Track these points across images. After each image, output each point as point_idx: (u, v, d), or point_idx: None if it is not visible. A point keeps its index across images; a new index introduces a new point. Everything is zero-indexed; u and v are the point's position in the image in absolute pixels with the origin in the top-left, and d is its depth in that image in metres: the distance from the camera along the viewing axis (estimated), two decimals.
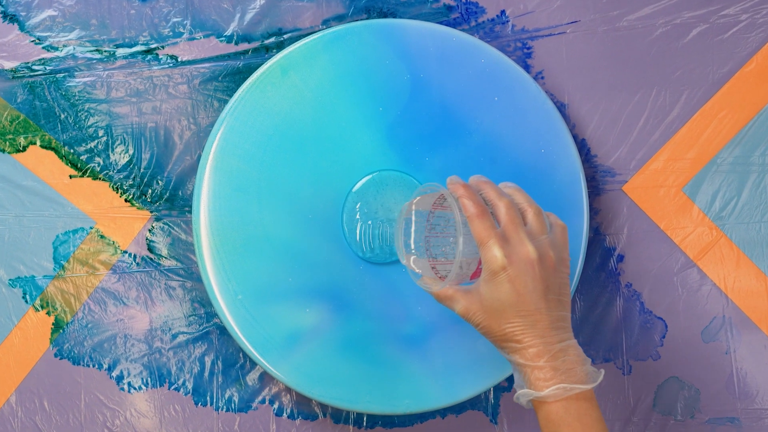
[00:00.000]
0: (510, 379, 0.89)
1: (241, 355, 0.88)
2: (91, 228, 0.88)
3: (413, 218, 0.74)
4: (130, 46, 0.89)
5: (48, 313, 0.87)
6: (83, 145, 0.89)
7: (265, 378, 0.88)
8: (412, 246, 0.74)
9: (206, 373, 0.88)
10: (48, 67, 0.88)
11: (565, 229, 0.73)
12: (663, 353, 0.90)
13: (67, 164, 0.89)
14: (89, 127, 0.89)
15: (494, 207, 0.71)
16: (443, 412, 0.89)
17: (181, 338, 0.88)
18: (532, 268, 0.69)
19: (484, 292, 0.70)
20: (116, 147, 0.89)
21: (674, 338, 0.90)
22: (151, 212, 0.89)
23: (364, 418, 0.87)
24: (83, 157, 0.89)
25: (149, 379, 0.88)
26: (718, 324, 0.90)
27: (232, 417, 0.87)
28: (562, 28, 0.90)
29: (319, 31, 0.88)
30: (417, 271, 0.74)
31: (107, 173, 0.89)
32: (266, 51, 0.89)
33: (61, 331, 0.87)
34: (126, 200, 0.89)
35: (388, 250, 0.84)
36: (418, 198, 0.74)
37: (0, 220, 0.87)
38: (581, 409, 0.69)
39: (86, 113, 0.89)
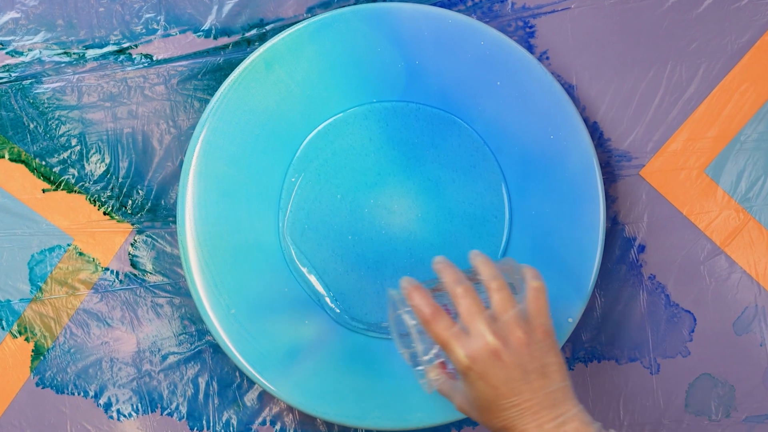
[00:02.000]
0: None
1: (237, 374, 0.88)
2: (68, 245, 0.87)
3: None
4: (101, 47, 0.89)
5: (27, 340, 0.87)
6: (55, 156, 0.88)
7: (265, 397, 0.88)
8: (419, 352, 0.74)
9: (201, 396, 0.87)
10: (13, 74, 0.88)
11: (540, 289, 0.71)
12: (693, 349, 0.90)
13: (39, 177, 0.88)
14: (61, 136, 0.88)
15: (452, 297, 0.70)
16: (459, 425, 0.88)
17: (172, 359, 0.87)
18: (497, 358, 0.69)
19: (466, 391, 0.71)
20: (91, 156, 0.88)
21: (704, 332, 0.90)
22: (133, 225, 0.88)
23: None
24: (56, 169, 0.88)
25: (140, 404, 0.87)
26: (751, 314, 0.90)
27: None
28: (566, 3, 0.90)
29: (304, 20, 0.87)
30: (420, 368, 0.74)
31: (83, 185, 0.88)
32: (248, 44, 0.89)
33: (41, 358, 0.87)
34: (105, 213, 0.88)
35: None
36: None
37: None
38: None
39: (57, 121, 0.88)
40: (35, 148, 0.88)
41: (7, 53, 0.88)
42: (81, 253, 0.88)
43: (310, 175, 0.84)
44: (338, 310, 0.84)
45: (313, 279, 0.84)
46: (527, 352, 0.69)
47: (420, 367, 0.73)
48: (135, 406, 0.87)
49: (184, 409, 0.87)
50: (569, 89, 0.90)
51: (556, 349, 0.71)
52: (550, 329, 0.71)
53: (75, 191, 0.88)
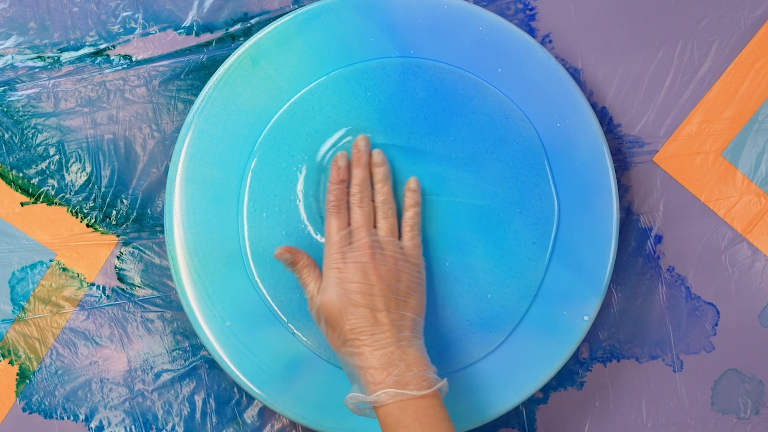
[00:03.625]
0: (545, 389, 0.89)
1: (235, 389, 0.88)
2: (51, 261, 0.88)
3: None
4: (77, 49, 0.89)
5: (11, 362, 0.87)
6: (33, 166, 0.88)
7: (266, 413, 0.88)
8: None
9: (198, 414, 0.87)
10: None
11: (414, 226, 0.81)
12: (717, 343, 0.90)
13: (16, 190, 0.88)
14: (38, 145, 0.89)
15: (350, 209, 0.80)
16: None
17: (166, 377, 0.88)
18: (367, 268, 0.77)
19: (326, 294, 0.78)
20: (71, 165, 0.88)
21: (728, 325, 0.90)
22: (118, 236, 0.88)
23: None
24: (34, 181, 0.88)
25: (133, 426, 0.87)
26: None
27: None
28: None
29: (291, 11, 0.87)
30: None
31: (64, 196, 0.88)
32: (232, 40, 0.89)
33: (27, 381, 0.87)
34: (88, 225, 0.88)
35: None
36: None
37: None
38: (420, 409, 0.73)
39: (33, 130, 0.88)
40: (11, 160, 0.88)
41: None
42: (64, 269, 0.88)
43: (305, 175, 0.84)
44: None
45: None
46: (394, 276, 0.77)
47: None
48: (128, 429, 0.87)
49: (180, 430, 0.87)
50: (575, 74, 0.90)
51: (422, 284, 0.79)
52: (420, 264, 0.79)
53: (55, 203, 0.88)
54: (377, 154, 0.82)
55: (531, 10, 0.90)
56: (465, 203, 0.84)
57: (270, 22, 0.86)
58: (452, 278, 0.83)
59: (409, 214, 0.81)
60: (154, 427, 0.87)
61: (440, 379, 0.75)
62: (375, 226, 0.80)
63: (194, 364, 0.87)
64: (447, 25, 0.86)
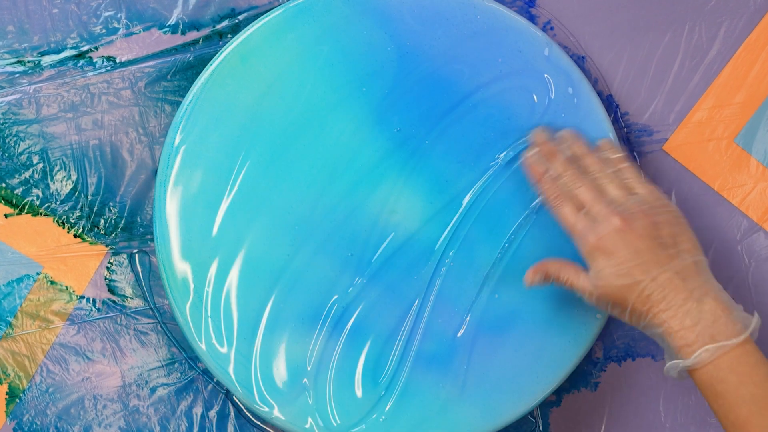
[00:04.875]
0: (558, 392, 0.89)
1: (235, 402, 0.88)
2: (38, 274, 0.88)
3: None
4: (58, 52, 0.89)
5: (0, 381, 0.87)
6: (16, 176, 0.88)
7: (267, 427, 0.88)
8: None
9: (196, 429, 0.88)
10: None
11: (631, 166, 0.81)
12: None
13: None
14: (21, 154, 0.88)
15: (570, 182, 0.80)
16: None
17: (162, 391, 0.88)
18: (622, 237, 0.76)
19: (593, 277, 0.77)
20: (56, 174, 0.88)
21: None
22: (107, 246, 0.88)
23: None
24: (18, 191, 0.88)
25: None
26: None
27: None
28: None
29: (280, 6, 0.87)
30: None
31: (49, 206, 0.88)
32: (220, 38, 0.89)
33: (17, 400, 0.87)
34: (75, 235, 0.88)
35: None
36: None
37: None
38: (733, 359, 0.72)
39: (15, 138, 0.88)
40: None
41: None
42: (52, 282, 0.88)
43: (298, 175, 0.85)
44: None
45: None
46: (653, 229, 0.76)
47: None
48: None
49: None
50: (579, 61, 0.90)
51: (683, 222, 0.78)
52: (669, 204, 0.78)
53: (41, 214, 0.88)
54: (565, 132, 0.83)
55: None
56: (468, 202, 0.84)
57: (258, 18, 0.86)
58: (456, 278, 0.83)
59: (623, 168, 0.81)
60: None
61: (749, 315, 0.74)
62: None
63: (191, 377, 0.87)
64: (444, 14, 0.86)
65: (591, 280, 0.77)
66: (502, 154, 0.85)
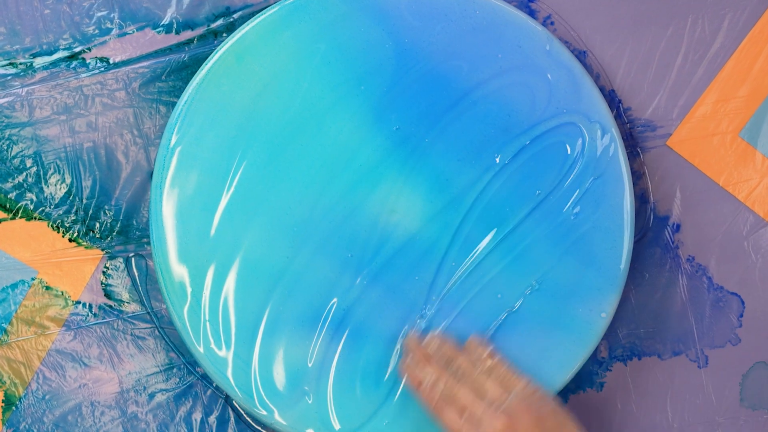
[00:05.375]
0: (563, 392, 0.89)
1: (234, 407, 0.88)
2: (32, 279, 0.88)
3: None
4: (50, 54, 0.89)
5: None
6: (9, 180, 0.88)
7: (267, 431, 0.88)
8: None
9: None
10: None
11: (501, 360, 0.82)
12: (743, 335, 0.90)
13: None
14: (14, 157, 0.88)
15: (451, 382, 0.80)
16: None
17: (160, 397, 0.88)
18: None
19: None
20: (50, 177, 0.88)
21: (754, 315, 0.90)
22: (103, 250, 0.88)
23: None
24: (11, 195, 0.88)
25: None
26: None
27: None
28: None
29: (276, 4, 0.86)
30: None
31: (43, 210, 0.88)
32: (215, 37, 0.90)
33: (13, 408, 0.87)
34: (70, 240, 0.88)
35: None
36: None
37: None
38: None
39: (8, 141, 0.88)
40: None
41: None
42: (48, 287, 0.88)
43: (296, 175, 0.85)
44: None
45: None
46: (538, 423, 0.77)
47: None
48: None
49: None
50: (580, 56, 0.90)
51: (564, 414, 0.79)
52: (547, 397, 0.79)
53: (35, 218, 0.88)
54: (430, 338, 0.83)
55: None
56: (469, 201, 0.84)
57: (254, 16, 0.86)
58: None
59: (495, 365, 0.81)
60: None
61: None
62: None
63: (190, 382, 0.88)
64: (442, 10, 0.86)
65: None
66: (501, 155, 0.85)
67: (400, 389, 0.83)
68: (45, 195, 0.88)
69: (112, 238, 0.88)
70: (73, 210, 0.88)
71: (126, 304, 0.88)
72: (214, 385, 0.87)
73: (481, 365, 0.80)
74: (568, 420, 0.78)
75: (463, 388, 0.79)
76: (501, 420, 0.76)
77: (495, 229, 0.84)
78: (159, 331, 0.88)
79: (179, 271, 0.83)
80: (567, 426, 0.78)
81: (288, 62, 0.85)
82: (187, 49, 0.89)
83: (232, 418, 0.87)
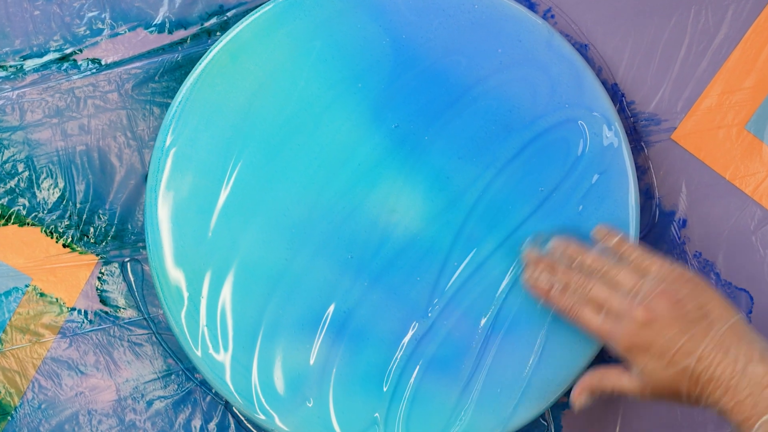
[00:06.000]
0: (570, 393, 0.87)
1: (235, 413, 0.88)
2: (26, 286, 0.88)
3: None
4: (41, 56, 0.89)
5: None
6: (1, 186, 0.89)
7: None
8: None
9: None
10: None
11: (634, 245, 0.80)
12: None
13: None
14: (5, 162, 0.89)
15: (582, 282, 0.79)
16: None
17: (159, 404, 0.88)
18: (651, 328, 0.75)
19: (635, 372, 0.77)
20: (42, 182, 0.89)
21: (764, 312, 0.90)
22: (98, 255, 0.88)
23: None
24: (3, 201, 0.89)
25: None
26: None
27: None
28: None
29: (269, 1, 0.86)
30: None
31: (36, 216, 0.88)
32: (208, 36, 0.90)
33: (9, 418, 0.87)
34: (64, 245, 0.88)
35: None
36: None
37: None
38: None
39: None
40: None
41: None
42: (42, 294, 0.88)
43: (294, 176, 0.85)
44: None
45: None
46: (678, 308, 0.75)
47: None
48: None
49: None
50: (581, 49, 0.90)
51: (705, 288, 0.77)
52: (685, 273, 0.77)
53: (28, 224, 0.88)
54: (554, 242, 0.82)
55: None
56: (471, 199, 0.84)
57: (248, 14, 0.86)
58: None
59: (626, 251, 0.80)
60: None
61: None
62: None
63: (189, 388, 0.88)
64: (440, 5, 0.86)
65: (637, 379, 0.76)
66: (503, 152, 0.85)
67: (405, 393, 0.83)
68: (38, 200, 0.88)
69: (106, 243, 0.88)
70: (67, 215, 0.88)
71: (122, 310, 0.88)
72: (213, 391, 0.87)
73: (611, 256, 0.79)
74: (711, 299, 0.76)
75: (597, 284, 0.78)
76: (640, 310, 0.75)
77: (499, 228, 0.84)
78: (156, 337, 0.88)
79: (176, 275, 0.83)
80: (709, 304, 0.75)
81: (283, 60, 0.85)
82: (180, 48, 0.89)
83: (233, 425, 0.88)
